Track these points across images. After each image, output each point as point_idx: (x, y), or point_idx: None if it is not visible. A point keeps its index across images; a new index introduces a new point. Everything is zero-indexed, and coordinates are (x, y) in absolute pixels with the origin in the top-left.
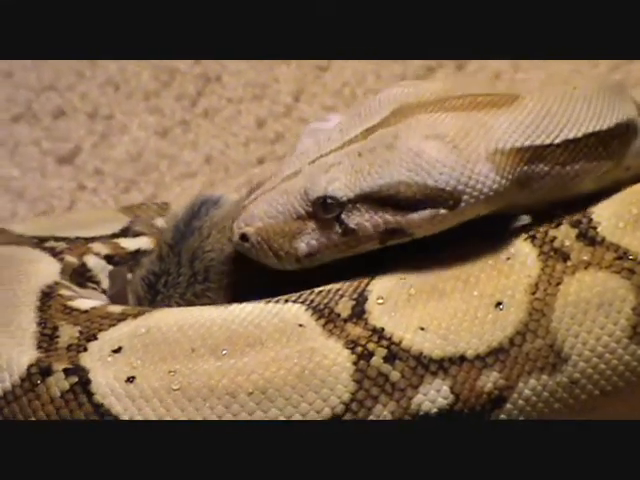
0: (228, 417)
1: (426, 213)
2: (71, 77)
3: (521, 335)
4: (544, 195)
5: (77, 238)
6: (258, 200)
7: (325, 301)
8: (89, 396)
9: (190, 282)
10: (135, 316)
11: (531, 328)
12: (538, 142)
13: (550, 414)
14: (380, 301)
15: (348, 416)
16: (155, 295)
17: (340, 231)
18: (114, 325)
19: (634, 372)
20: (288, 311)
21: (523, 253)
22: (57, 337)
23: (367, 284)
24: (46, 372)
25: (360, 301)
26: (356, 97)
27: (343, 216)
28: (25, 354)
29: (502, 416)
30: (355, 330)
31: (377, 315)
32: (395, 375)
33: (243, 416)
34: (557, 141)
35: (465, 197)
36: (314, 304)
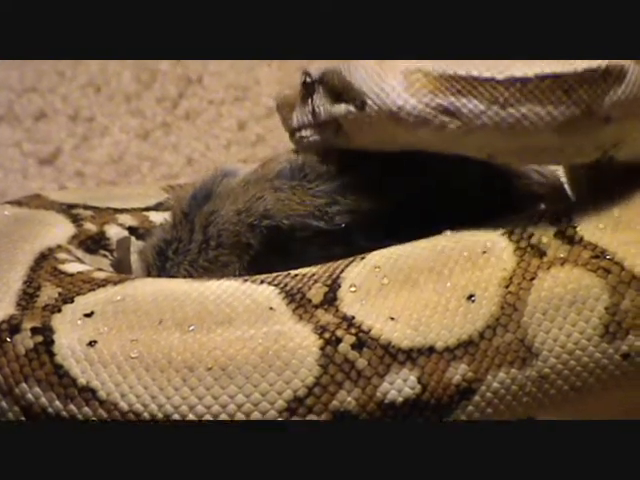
0: (185, 390)
1: (342, 107)
2: (52, 78)
3: (492, 328)
4: (492, 140)
5: (108, 208)
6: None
7: (299, 286)
8: (51, 356)
9: (202, 248)
10: (116, 283)
11: (502, 322)
12: (475, 73)
13: (519, 408)
14: (353, 289)
15: (310, 400)
16: (164, 262)
17: (310, 110)
18: (93, 290)
19: (605, 370)
20: (261, 293)
21: (499, 247)
22: (37, 297)
23: (342, 271)
24: (15, 329)
25: (333, 288)
26: None
27: (314, 96)
28: (1, 310)
29: (470, 408)
30: (325, 316)
31: (348, 303)
32: (362, 363)
33: (200, 390)
34: (499, 77)
35: (369, 102)
36: (287, 288)
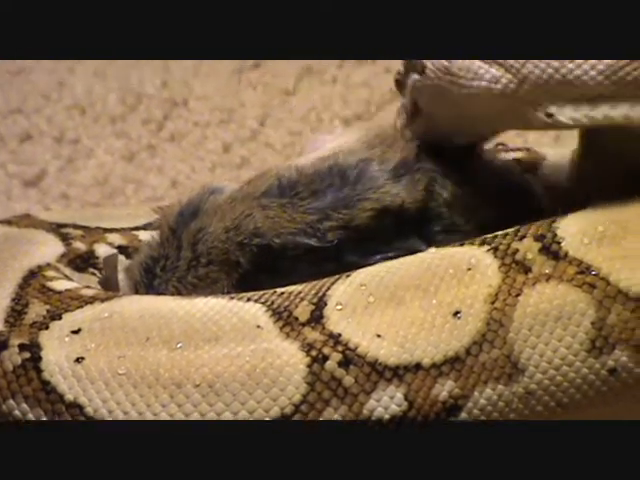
0: (172, 407)
1: (410, 79)
2: (38, 100)
3: (478, 345)
4: (549, 90)
5: (97, 228)
6: None
7: (285, 303)
8: (38, 373)
9: (192, 265)
10: (103, 300)
11: (488, 338)
12: None
13: None
14: (339, 307)
15: (297, 417)
16: (152, 279)
17: (404, 108)
18: (81, 307)
19: (591, 386)
20: (248, 311)
21: (484, 264)
22: (25, 313)
23: (328, 288)
24: (2, 346)
25: (319, 306)
26: (322, 122)
27: (405, 93)
28: None
29: None
30: (312, 334)
31: (335, 320)
32: (349, 380)
33: (188, 407)
34: None
35: (429, 64)
36: (274, 306)
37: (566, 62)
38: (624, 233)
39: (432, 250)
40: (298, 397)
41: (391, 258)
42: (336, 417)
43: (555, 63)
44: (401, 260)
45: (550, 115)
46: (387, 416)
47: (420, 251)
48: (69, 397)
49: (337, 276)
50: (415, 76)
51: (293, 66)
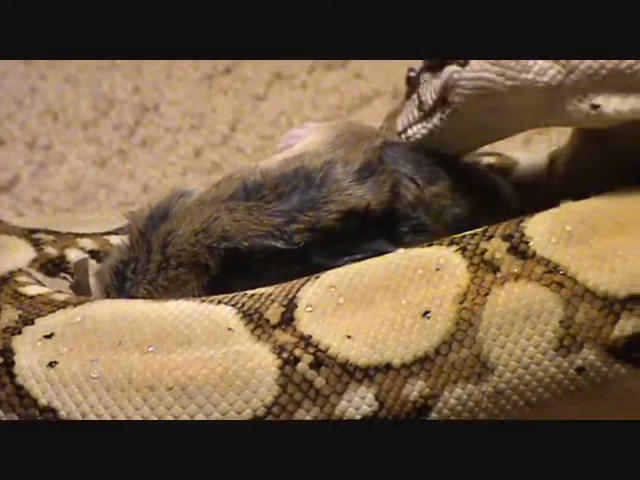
0: (145, 410)
1: (447, 69)
2: (10, 106)
3: (447, 344)
4: (598, 81)
5: (69, 233)
6: None
7: (256, 306)
8: (11, 377)
9: (162, 267)
10: (75, 305)
11: (458, 338)
12: None
13: None
14: (309, 309)
15: (269, 419)
16: (123, 282)
17: (417, 104)
18: (53, 312)
19: (560, 384)
20: (219, 314)
21: (453, 264)
22: None
23: (297, 290)
24: None
25: (290, 308)
26: (293, 127)
27: (419, 90)
28: None
29: None
30: (283, 336)
31: (305, 322)
32: (320, 381)
33: (161, 410)
34: None
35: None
36: (245, 308)
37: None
38: (592, 233)
39: (401, 251)
40: (270, 399)
41: (359, 260)
42: (308, 418)
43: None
44: (370, 261)
45: (596, 107)
46: (358, 416)
47: (388, 252)
48: (43, 401)
49: (306, 278)
50: (454, 68)
51: (263, 71)
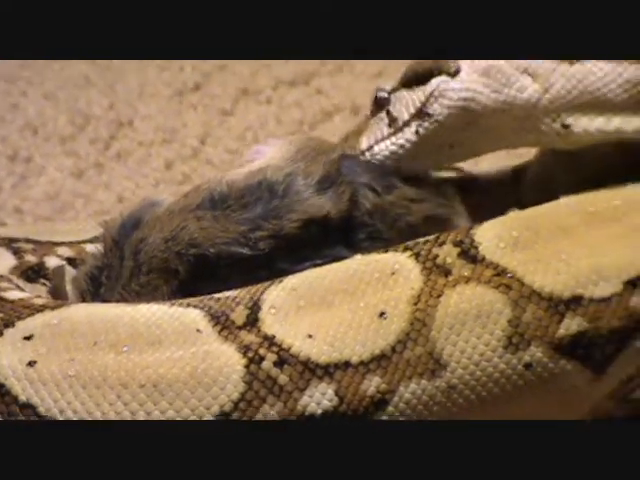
0: (119, 406)
1: (435, 80)
2: None
3: (402, 343)
4: (571, 100)
5: (47, 241)
6: None
7: (223, 308)
8: None
9: (134, 273)
10: (53, 308)
11: (412, 336)
12: None
13: (430, 417)
14: (272, 311)
15: (236, 414)
16: (98, 288)
17: (388, 122)
18: (32, 315)
19: (509, 380)
20: (188, 316)
21: (407, 268)
22: None
23: (262, 293)
24: None
25: (254, 310)
26: (259, 140)
27: (390, 108)
28: None
29: (384, 418)
30: (248, 337)
31: (269, 323)
32: (283, 379)
33: (134, 406)
34: None
35: (464, 66)
36: (212, 310)
37: (591, 73)
38: (536, 238)
39: (358, 257)
40: (237, 395)
41: (319, 265)
42: (272, 413)
43: (580, 74)
44: (329, 266)
45: (566, 126)
46: (319, 411)
47: (346, 258)
48: (22, 398)
49: (270, 282)
50: (442, 78)
51: (231, 88)
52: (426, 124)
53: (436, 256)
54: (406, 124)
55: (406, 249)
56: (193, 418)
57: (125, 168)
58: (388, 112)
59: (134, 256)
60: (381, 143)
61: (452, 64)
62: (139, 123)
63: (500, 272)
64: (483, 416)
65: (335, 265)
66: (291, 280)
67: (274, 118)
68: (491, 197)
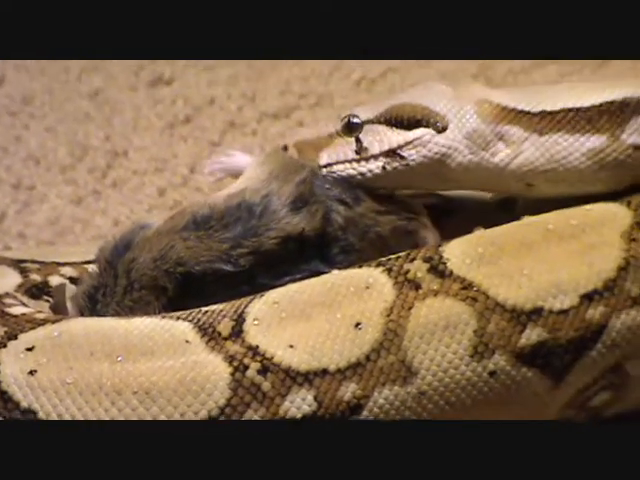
0: (114, 411)
1: (419, 131)
2: None
3: (376, 352)
4: (533, 167)
5: (52, 262)
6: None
7: (210, 321)
8: None
9: (127, 290)
10: (53, 322)
11: (385, 346)
12: (519, 107)
13: None
14: (256, 322)
15: (222, 419)
16: (95, 304)
17: (355, 148)
18: (34, 328)
19: (475, 386)
20: (178, 328)
21: (380, 282)
22: None
23: (245, 306)
24: None
25: (239, 322)
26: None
27: (361, 136)
28: None
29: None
30: (233, 347)
31: (253, 334)
32: (266, 386)
33: (127, 412)
34: (534, 110)
35: (452, 125)
36: (200, 323)
37: (557, 143)
38: (500, 254)
39: (335, 272)
40: (223, 401)
41: (298, 279)
42: (256, 418)
43: (548, 143)
44: (308, 281)
45: (531, 185)
46: (299, 415)
47: (323, 272)
48: (24, 404)
49: (253, 296)
50: (430, 131)
51: (218, 121)
52: (395, 164)
53: (407, 271)
54: (375, 157)
55: (379, 265)
56: None
57: (120, 195)
58: (358, 139)
59: (127, 274)
60: (342, 165)
61: (441, 120)
62: (133, 154)
63: (467, 286)
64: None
65: (313, 280)
66: (272, 294)
67: (259, 148)
68: (473, 220)
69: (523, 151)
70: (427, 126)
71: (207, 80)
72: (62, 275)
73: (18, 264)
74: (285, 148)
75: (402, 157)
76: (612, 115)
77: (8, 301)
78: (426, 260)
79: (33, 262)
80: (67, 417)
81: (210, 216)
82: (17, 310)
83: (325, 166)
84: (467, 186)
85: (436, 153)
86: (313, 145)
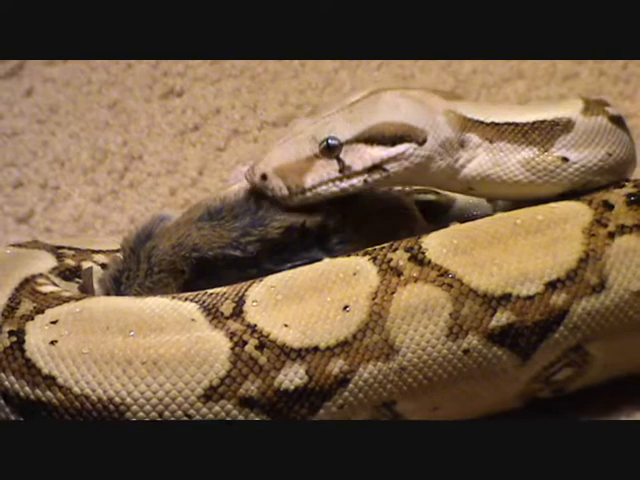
0: (124, 379)
1: (403, 147)
2: (27, 156)
3: (362, 332)
4: (482, 169)
5: (87, 250)
6: (273, 149)
7: (214, 302)
8: (22, 352)
9: (148, 273)
10: (77, 300)
11: (370, 326)
12: (476, 117)
13: (384, 394)
14: (255, 304)
15: (222, 388)
16: (119, 286)
17: (338, 167)
18: (60, 305)
19: (450, 363)
20: (185, 308)
21: (366, 269)
22: (17, 309)
23: (246, 290)
24: None
25: (239, 303)
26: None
27: (341, 155)
28: None
29: (346, 394)
30: (234, 325)
31: (252, 314)
32: (263, 360)
33: (136, 379)
34: (487, 120)
35: (430, 137)
36: (205, 304)
37: (499, 149)
38: (474, 245)
39: (326, 260)
40: (223, 372)
41: (299, 266)
42: (252, 388)
43: (495, 149)
44: (302, 268)
45: (471, 189)
46: (292, 387)
47: (319, 260)
48: (45, 371)
49: (252, 280)
50: (412, 145)
51: (224, 129)
52: (377, 176)
53: (390, 259)
54: (357, 173)
55: (366, 254)
56: (186, 391)
57: (136, 194)
58: (339, 159)
59: (148, 260)
60: (325, 185)
61: (420, 133)
62: (148, 157)
63: (443, 273)
64: (430, 396)
65: (307, 267)
66: (270, 279)
67: (261, 153)
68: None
69: (476, 155)
70: (410, 141)
71: (213, 92)
72: (95, 261)
73: (56, 249)
74: (264, 177)
75: (384, 170)
76: (543, 131)
77: (40, 281)
78: (407, 250)
79: (70, 249)
80: (82, 383)
81: (222, 208)
82: (47, 289)
83: (310, 188)
84: (425, 184)
85: (417, 164)
86: (293, 169)
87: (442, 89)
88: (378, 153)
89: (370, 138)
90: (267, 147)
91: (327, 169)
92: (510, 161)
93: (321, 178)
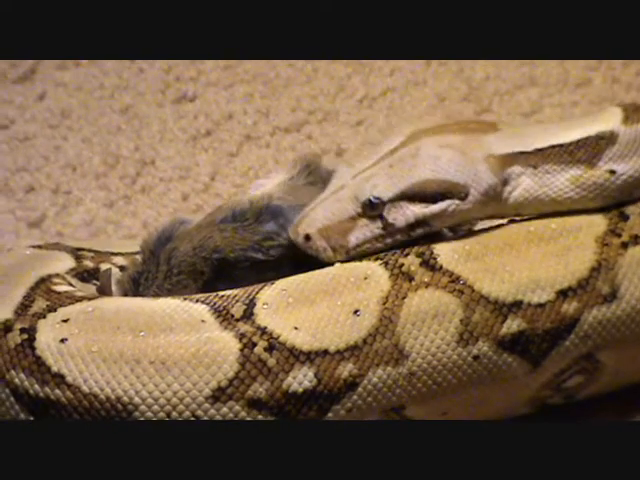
0: (132, 378)
1: (445, 204)
2: (39, 161)
3: (372, 336)
4: (529, 195)
5: (106, 252)
6: (315, 208)
7: (224, 304)
8: (32, 349)
9: (167, 275)
10: (90, 299)
11: (381, 331)
12: (517, 150)
13: (393, 398)
14: (265, 306)
15: (230, 389)
16: (137, 287)
17: (381, 225)
18: (72, 304)
19: (460, 369)
20: (196, 309)
21: (377, 274)
22: (30, 307)
23: (257, 292)
24: (8, 329)
25: (250, 306)
26: (259, 177)
27: (384, 213)
28: (3, 315)
29: (354, 397)
30: (244, 327)
31: (262, 317)
32: (272, 362)
33: (144, 379)
34: (529, 149)
35: (472, 190)
36: (216, 305)
37: (548, 174)
38: (485, 251)
39: (337, 264)
40: (232, 374)
41: (305, 271)
42: (261, 390)
43: (540, 173)
44: (312, 272)
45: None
46: (300, 390)
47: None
48: (54, 369)
49: (263, 283)
50: (455, 201)
51: (236, 134)
52: (420, 230)
53: (402, 264)
54: (400, 230)
55: (377, 258)
56: (194, 391)
57: (148, 200)
58: (381, 217)
59: (167, 262)
60: (369, 243)
61: (462, 189)
62: (160, 163)
63: (454, 279)
64: (438, 401)
65: (318, 271)
66: (281, 282)
67: (272, 159)
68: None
69: (520, 183)
70: (451, 197)
71: (226, 97)
72: (114, 263)
73: (75, 251)
74: (307, 238)
75: (428, 225)
76: (588, 147)
77: (56, 280)
78: (419, 255)
79: (89, 250)
80: (91, 381)
81: (247, 210)
82: (61, 288)
83: (354, 247)
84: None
85: (460, 216)
86: (336, 229)
87: (476, 119)
88: (420, 210)
89: (412, 196)
90: (279, 153)
91: (370, 227)
92: (558, 180)
93: (365, 237)
